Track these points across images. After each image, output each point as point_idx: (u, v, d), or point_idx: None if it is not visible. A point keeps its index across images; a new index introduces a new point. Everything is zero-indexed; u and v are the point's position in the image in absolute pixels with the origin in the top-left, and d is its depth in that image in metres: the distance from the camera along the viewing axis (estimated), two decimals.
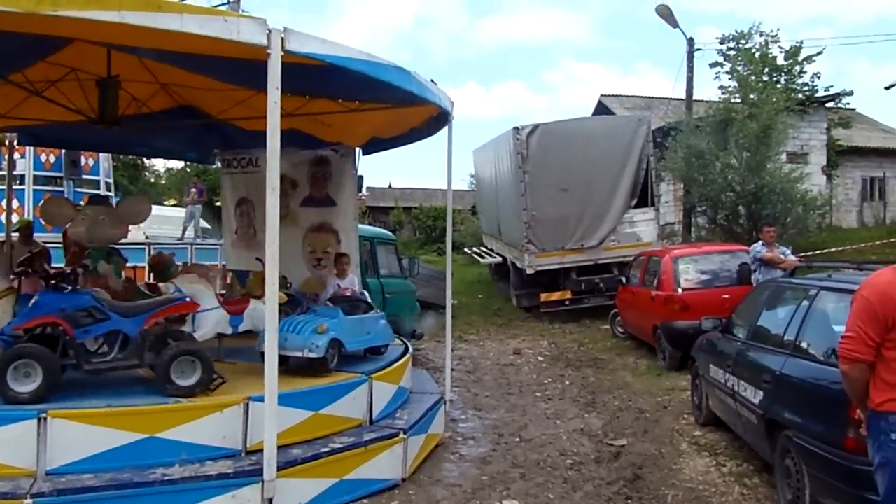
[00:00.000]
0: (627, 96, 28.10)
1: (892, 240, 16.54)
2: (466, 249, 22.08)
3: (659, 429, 7.11)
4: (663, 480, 5.73)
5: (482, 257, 19.07)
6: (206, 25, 4.04)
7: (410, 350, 7.35)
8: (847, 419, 3.81)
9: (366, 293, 7.57)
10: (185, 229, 16.82)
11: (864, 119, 27.45)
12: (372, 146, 8.63)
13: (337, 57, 4.72)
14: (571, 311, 14.30)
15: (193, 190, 17.53)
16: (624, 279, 12.34)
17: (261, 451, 4.51)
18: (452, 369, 10.08)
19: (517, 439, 6.95)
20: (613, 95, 28.08)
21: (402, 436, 5.53)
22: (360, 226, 10.23)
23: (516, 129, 14.30)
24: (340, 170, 8.72)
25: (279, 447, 4.49)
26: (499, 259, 17.61)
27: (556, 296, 14.29)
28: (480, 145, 18.76)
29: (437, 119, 7.03)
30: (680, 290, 9.80)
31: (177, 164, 32.35)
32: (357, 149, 8.71)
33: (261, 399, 4.50)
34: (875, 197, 24.28)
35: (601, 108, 26.38)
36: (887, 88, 19.38)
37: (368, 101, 6.63)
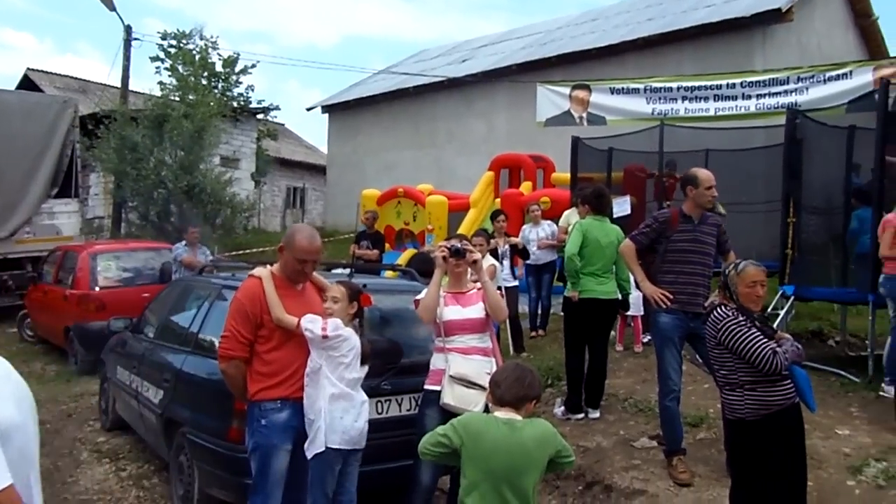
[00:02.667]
0: (61, 75, 25.67)
1: None
2: None
3: (60, 440, 6.51)
4: (56, 496, 5.21)
5: None
6: None
7: None
8: (232, 411, 3.97)
9: None
10: None
11: (291, 134, 30.56)
12: None
13: None
14: None
15: None
16: (37, 276, 11.07)
17: None
18: None
19: None
20: (44, 71, 25.27)
21: None
22: None
23: None
24: None
25: None
26: None
27: None
28: None
29: None
30: (97, 289, 9.22)
31: None
32: None
33: None
34: (297, 205, 27.21)
35: (28, 83, 23.44)
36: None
37: None
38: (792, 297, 7.22)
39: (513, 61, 17.45)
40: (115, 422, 6.57)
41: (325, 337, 3.43)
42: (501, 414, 2.71)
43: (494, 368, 3.85)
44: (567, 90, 11.52)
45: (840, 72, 9.99)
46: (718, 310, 3.62)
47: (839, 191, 9.16)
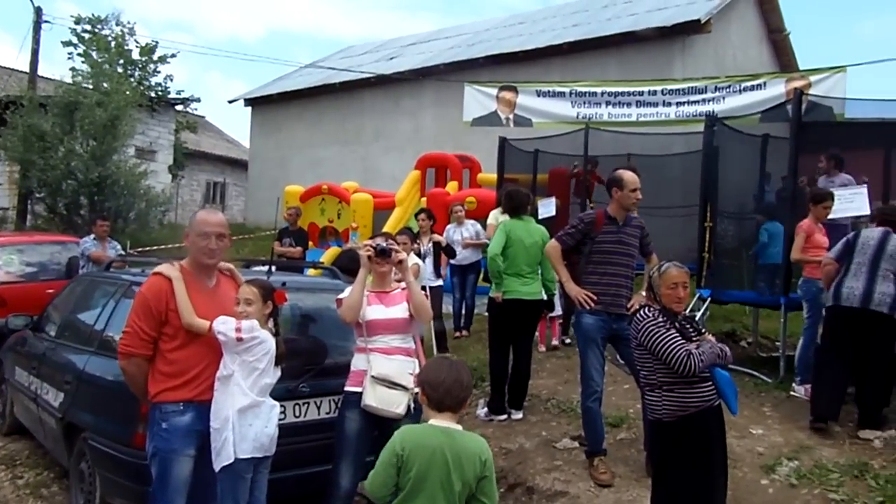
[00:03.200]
0: None
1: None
2: None
3: None
4: None
5: None
6: None
7: None
8: (138, 416, 3.73)
9: None
10: None
11: (212, 127, 29.71)
12: None
13: None
14: None
15: None
16: None
17: None
18: None
19: None
20: None
21: None
22: None
23: None
24: None
25: None
26: None
27: None
28: None
29: None
30: None
31: None
32: None
33: None
34: (217, 200, 26.46)
35: None
36: None
37: None
38: (708, 300, 7.41)
39: (440, 61, 17.42)
40: (12, 426, 6.16)
41: (239, 339, 3.25)
42: (438, 422, 2.60)
43: (417, 369, 3.76)
44: (494, 91, 11.58)
45: (754, 83, 10.39)
46: (642, 311, 3.63)
47: (751, 198, 9.52)
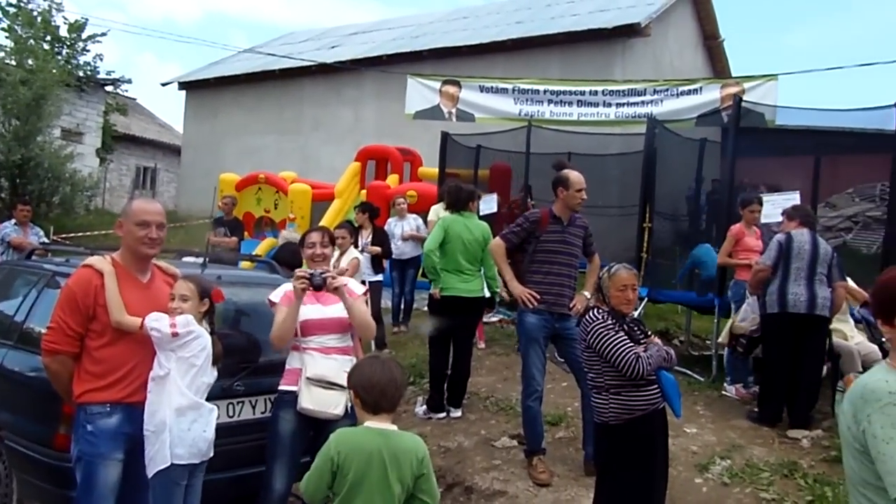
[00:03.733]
0: None
1: None
2: None
3: None
4: None
5: None
6: None
7: None
8: (59, 415, 3.53)
9: None
10: None
11: (143, 110, 28.70)
12: None
13: None
14: None
15: None
16: None
17: None
18: None
19: None
20: None
21: None
22: None
23: None
24: None
25: None
26: None
27: None
28: None
29: None
30: None
31: None
32: None
33: None
34: (147, 185, 25.59)
35: None
36: None
37: None
38: (645, 299, 7.52)
39: (383, 51, 17.23)
40: None
41: (175, 335, 3.08)
42: (374, 423, 2.55)
43: None
44: (437, 84, 11.49)
45: (691, 87, 10.61)
46: (591, 313, 3.62)
47: (684, 199, 9.72)
